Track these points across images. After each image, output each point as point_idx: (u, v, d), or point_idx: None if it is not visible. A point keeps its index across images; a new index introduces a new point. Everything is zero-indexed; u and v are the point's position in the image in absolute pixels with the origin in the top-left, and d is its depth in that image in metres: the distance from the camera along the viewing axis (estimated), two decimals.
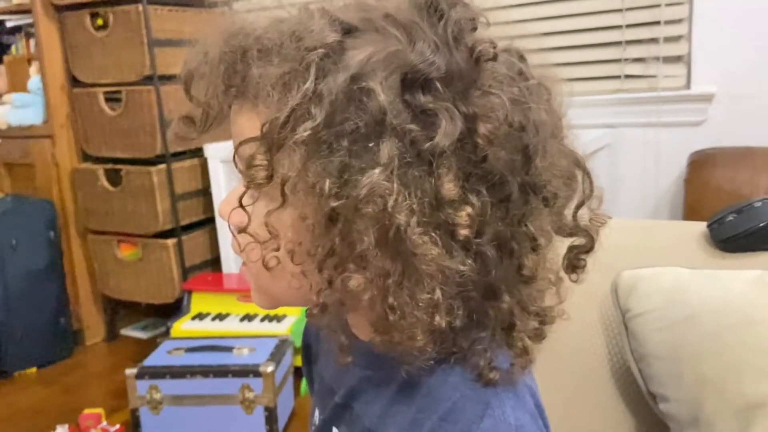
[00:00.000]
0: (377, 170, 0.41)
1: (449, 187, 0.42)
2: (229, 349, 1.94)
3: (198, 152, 2.47)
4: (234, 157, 0.49)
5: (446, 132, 0.42)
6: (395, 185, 0.41)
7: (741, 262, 0.85)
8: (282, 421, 1.91)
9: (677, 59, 2.03)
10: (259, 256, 0.46)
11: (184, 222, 2.45)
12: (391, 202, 0.41)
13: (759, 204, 0.87)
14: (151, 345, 2.34)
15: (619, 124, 2.09)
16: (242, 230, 0.46)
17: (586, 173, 0.49)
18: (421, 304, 0.43)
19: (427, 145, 0.42)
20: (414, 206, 0.42)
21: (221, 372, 1.84)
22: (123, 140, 2.41)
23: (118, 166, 2.44)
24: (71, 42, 2.45)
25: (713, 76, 1.98)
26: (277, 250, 0.46)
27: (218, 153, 2.39)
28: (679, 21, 1.99)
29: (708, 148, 1.92)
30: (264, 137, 0.43)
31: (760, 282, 0.77)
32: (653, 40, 2.02)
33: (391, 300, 0.44)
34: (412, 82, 0.43)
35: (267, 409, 1.84)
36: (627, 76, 2.08)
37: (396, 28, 0.44)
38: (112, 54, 2.35)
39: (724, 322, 0.75)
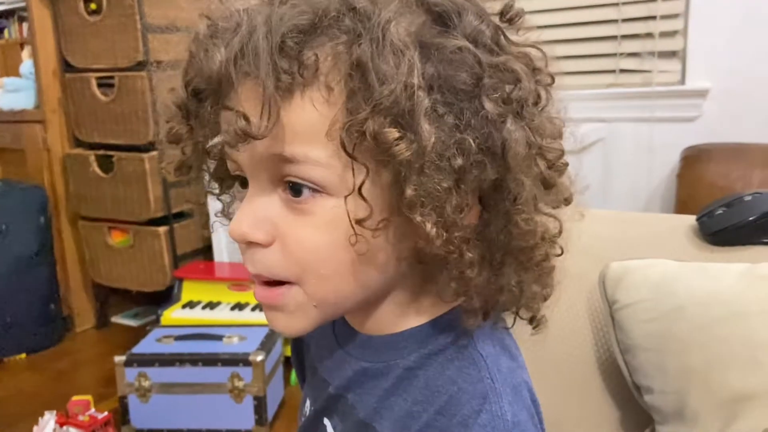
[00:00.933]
0: (490, 106, 0.41)
1: (491, 106, 0.41)
2: (219, 337, 1.94)
3: None
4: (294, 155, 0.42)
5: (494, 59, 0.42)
6: (519, 127, 0.42)
7: (730, 256, 0.84)
8: (271, 410, 1.91)
9: (672, 54, 2.03)
10: (366, 248, 0.43)
11: (176, 209, 2.44)
12: (524, 142, 0.41)
13: (749, 198, 0.87)
14: (141, 333, 2.33)
15: (613, 119, 2.09)
16: (361, 222, 0.41)
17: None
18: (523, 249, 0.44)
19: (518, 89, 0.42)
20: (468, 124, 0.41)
21: (211, 360, 1.84)
22: (115, 126, 2.40)
23: (110, 153, 2.42)
24: (64, 26, 2.43)
25: (708, 72, 1.98)
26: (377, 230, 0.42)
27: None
28: (674, 16, 1.99)
29: (701, 144, 1.92)
30: (388, 111, 0.39)
31: (748, 275, 0.77)
32: (648, 35, 2.02)
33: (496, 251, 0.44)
34: (438, 23, 0.42)
35: (256, 398, 1.84)
36: (622, 71, 2.07)
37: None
38: (105, 39, 2.33)
39: (711, 315, 0.75)
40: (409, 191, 0.40)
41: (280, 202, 0.44)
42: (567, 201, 0.48)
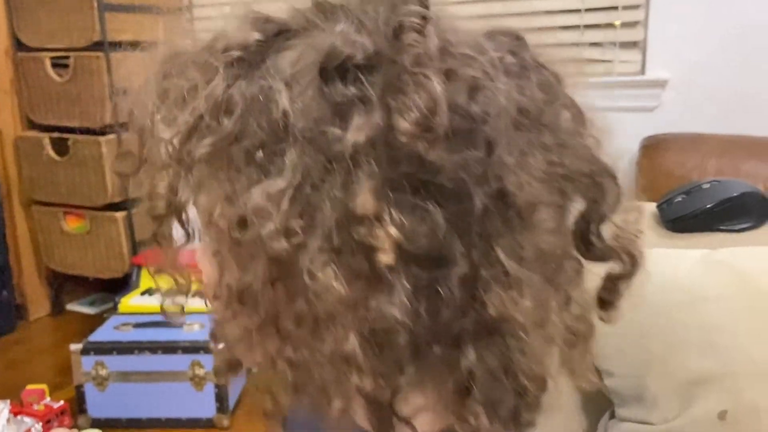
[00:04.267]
0: (267, 184, 0.34)
1: (364, 200, 0.33)
2: (179, 324, 1.91)
3: None
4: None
5: (357, 126, 0.34)
6: (285, 203, 0.34)
7: (688, 242, 0.86)
8: (233, 398, 1.89)
9: (633, 45, 2.06)
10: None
11: (134, 195, 2.39)
12: (276, 223, 0.34)
13: (707, 186, 0.89)
14: (98, 320, 2.28)
15: None
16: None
17: (609, 176, 0.39)
18: (326, 358, 0.36)
19: (337, 146, 0.34)
20: (316, 228, 0.34)
21: (170, 348, 1.81)
22: (70, 108, 2.32)
23: (65, 135, 2.35)
24: (16, 3, 2.34)
25: (667, 63, 2.01)
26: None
27: None
28: (636, 7, 2.02)
29: (660, 134, 1.96)
30: (167, 158, 0.38)
31: (706, 261, 0.79)
32: (610, 26, 2.05)
33: (288, 352, 0.37)
34: (331, 70, 0.35)
35: (217, 386, 1.82)
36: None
37: (320, 13, 0.38)
38: (60, 17, 2.25)
39: (670, 300, 0.76)
40: None
41: None
42: None
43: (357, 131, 0.34)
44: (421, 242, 0.34)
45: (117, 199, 2.34)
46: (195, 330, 1.88)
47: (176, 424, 1.83)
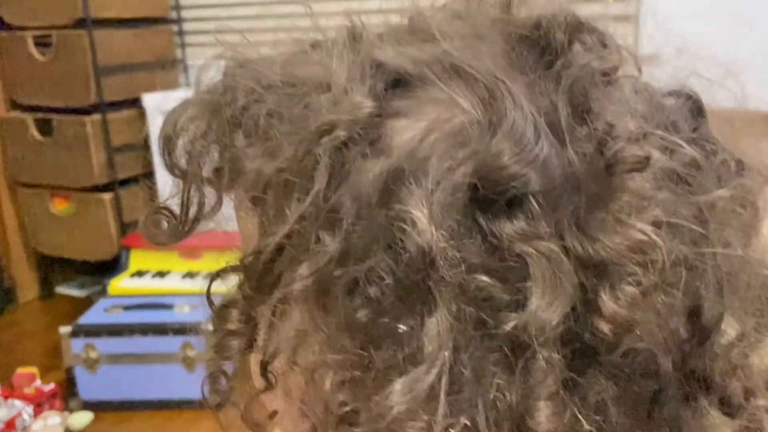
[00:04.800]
0: (417, 372, 0.23)
1: (542, 416, 0.24)
2: (169, 306, 1.90)
3: (136, 102, 2.36)
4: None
5: (544, 303, 0.23)
6: (441, 403, 0.23)
7: None
8: (224, 379, 1.89)
9: (625, 18, 2.04)
10: None
11: (122, 176, 2.36)
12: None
13: None
14: (87, 303, 2.27)
15: None
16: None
17: None
18: None
19: (510, 325, 0.24)
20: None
21: (161, 330, 1.80)
22: (54, 88, 2.28)
23: (50, 116, 2.31)
24: None
25: (661, 37, 1.99)
26: None
27: (158, 104, 2.29)
28: None
29: None
30: (246, 275, 0.27)
31: None
32: None
33: None
34: (490, 195, 0.24)
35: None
36: None
37: (470, 88, 0.25)
38: None
39: None
40: None
41: None
42: None
43: (543, 310, 0.23)
44: None
45: (104, 181, 2.31)
46: (185, 312, 1.88)
47: (168, 406, 1.83)
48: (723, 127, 0.31)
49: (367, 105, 0.25)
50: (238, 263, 0.29)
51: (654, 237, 0.24)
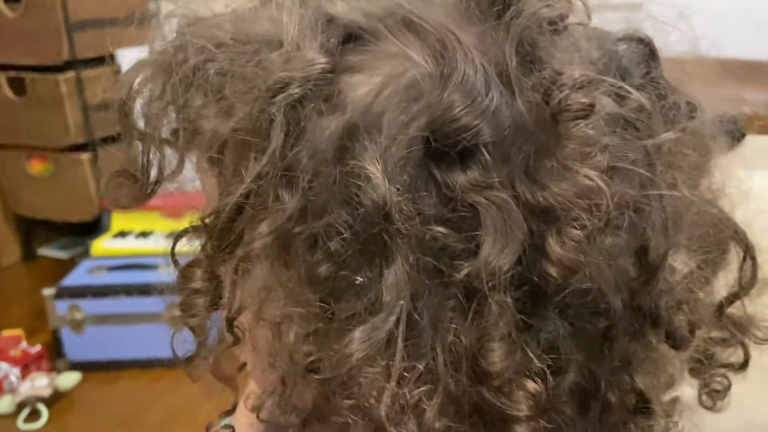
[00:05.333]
0: (375, 321, 0.24)
1: (495, 357, 0.25)
2: (154, 267, 1.89)
3: (112, 59, 2.30)
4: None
5: (494, 251, 0.24)
6: (399, 349, 0.25)
7: None
8: (211, 338, 1.90)
9: None
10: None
11: (100, 135, 2.32)
12: (393, 381, 0.25)
13: None
14: (71, 264, 2.26)
15: None
16: None
17: (745, 248, 0.32)
18: None
19: (464, 272, 0.25)
20: (434, 386, 0.26)
21: (146, 290, 1.79)
22: (25, 45, 2.21)
23: (22, 75, 2.25)
24: None
25: None
26: None
27: (133, 60, 2.23)
28: None
29: None
30: (208, 235, 0.28)
31: None
32: None
33: None
34: (443, 147, 0.25)
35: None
36: None
37: (422, 41, 0.26)
38: None
39: None
40: None
41: None
42: None
43: (495, 255, 0.24)
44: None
45: (81, 140, 2.27)
46: (170, 272, 1.87)
47: (155, 364, 1.83)
48: (675, 71, 0.32)
49: (321, 61, 0.26)
50: (200, 223, 0.30)
51: (599, 182, 0.25)
